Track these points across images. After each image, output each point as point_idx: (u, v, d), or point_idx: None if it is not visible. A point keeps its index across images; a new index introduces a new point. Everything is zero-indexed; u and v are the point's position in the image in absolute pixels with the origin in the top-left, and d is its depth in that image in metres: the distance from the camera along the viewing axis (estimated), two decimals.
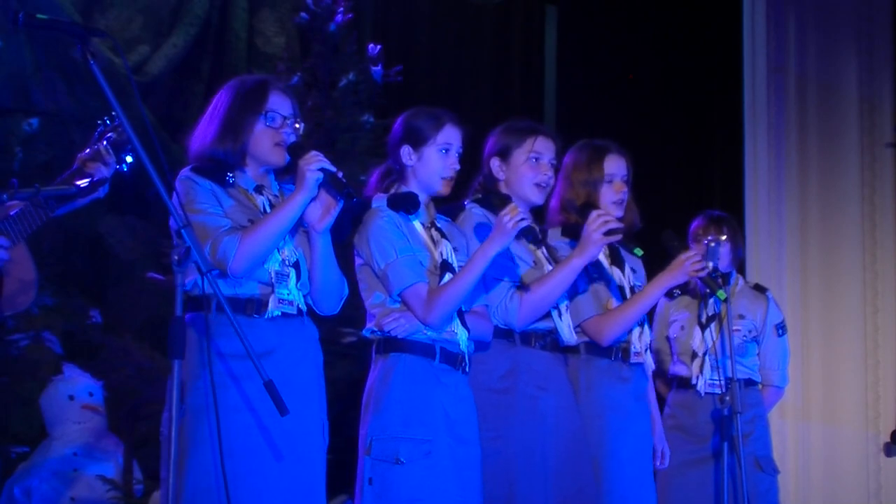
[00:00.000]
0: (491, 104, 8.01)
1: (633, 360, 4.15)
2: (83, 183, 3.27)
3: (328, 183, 3.25)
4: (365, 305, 3.63)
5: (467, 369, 3.61)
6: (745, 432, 4.86)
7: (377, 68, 6.75)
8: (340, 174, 3.28)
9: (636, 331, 4.16)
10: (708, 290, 4.49)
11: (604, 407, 4.05)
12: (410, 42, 7.89)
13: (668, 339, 5.09)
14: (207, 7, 7.18)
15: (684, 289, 4.84)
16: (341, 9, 6.67)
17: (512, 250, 3.81)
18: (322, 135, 6.49)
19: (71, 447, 5.81)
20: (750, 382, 5.01)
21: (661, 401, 5.14)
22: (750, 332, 5.04)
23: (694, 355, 4.92)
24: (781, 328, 5.13)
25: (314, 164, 3.23)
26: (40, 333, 6.12)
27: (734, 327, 4.97)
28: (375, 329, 3.57)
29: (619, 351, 4.13)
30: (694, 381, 4.90)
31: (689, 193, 7.99)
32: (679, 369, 5.01)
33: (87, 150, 3.34)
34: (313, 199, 3.27)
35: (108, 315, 6.53)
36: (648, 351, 4.22)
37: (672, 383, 5.04)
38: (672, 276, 4.13)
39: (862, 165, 7.71)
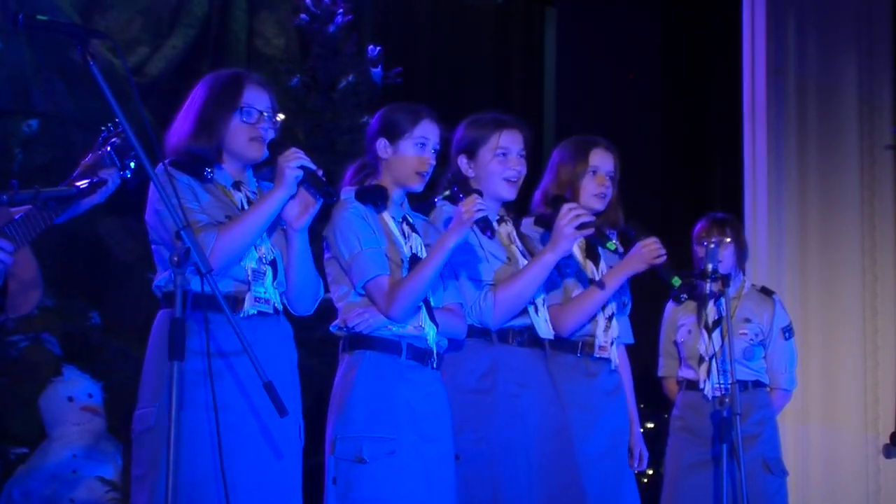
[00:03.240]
0: (491, 106, 7.93)
1: (598, 354, 4.10)
2: (82, 184, 3.26)
3: (308, 181, 3.23)
4: (332, 299, 3.59)
5: (436, 365, 3.56)
6: (754, 434, 4.87)
7: (377, 70, 6.76)
8: (321, 172, 3.26)
9: (601, 324, 4.10)
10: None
11: (570, 404, 3.97)
12: (410, 44, 7.89)
13: (675, 343, 5.08)
14: (207, 8, 7.18)
15: (691, 293, 4.82)
16: (341, 10, 6.68)
17: (485, 247, 3.78)
18: (321, 136, 6.49)
19: (70, 449, 5.81)
20: (758, 384, 5.00)
21: (671, 404, 5.15)
22: (757, 335, 5.03)
23: (701, 359, 4.91)
24: (788, 331, 5.12)
25: (294, 161, 3.21)
26: (40, 335, 6.12)
27: (741, 331, 4.97)
28: (341, 325, 3.54)
29: (583, 346, 4.09)
30: (701, 386, 4.89)
31: (688, 195, 8.00)
32: (687, 373, 5.01)
33: (91, 156, 3.34)
34: (292, 197, 3.25)
35: (108, 316, 6.53)
36: (615, 346, 4.15)
37: (681, 385, 5.04)
38: (629, 264, 4.05)
39: (861, 168, 7.71)
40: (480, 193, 3.65)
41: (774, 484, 4.94)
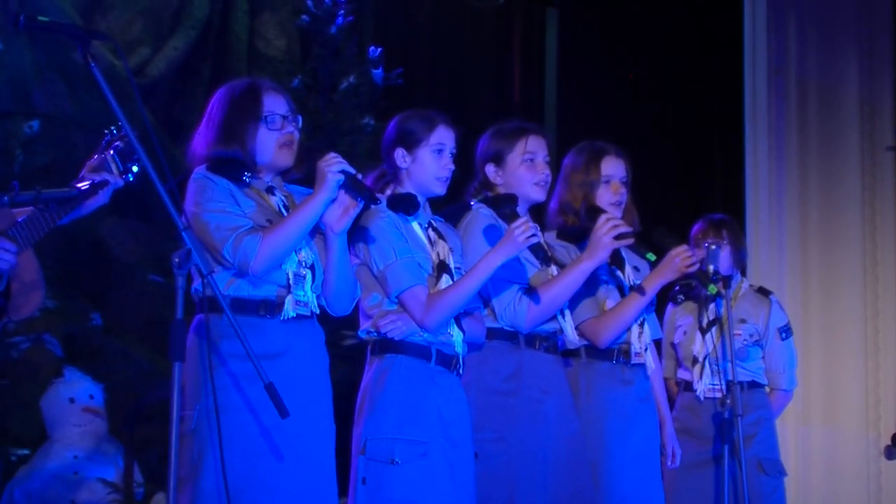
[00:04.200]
0: (492, 107, 8.01)
1: (634, 360, 4.14)
2: (84, 185, 3.27)
3: (348, 185, 3.26)
4: (360, 306, 3.61)
5: (461, 371, 3.61)
6: (749, 434, 4.86)
7: (378, 71, 6.76)
8: (360, 176, 3.29)
9: (635, 331, 4.13)
10: (698, 284, 4.43)
11: (605, 410, 4.05)
12: (411, 45, 7.89)
13: (672, 344, 5.08)
14: (208, 9, 7.18)
15: (689, 294, 4.82)
16: (342, 11, 6.68)
17: (519, 252, 3.81)
18: (322, 137, 6.50)
19: (71, 450, 5.81)
20: (754, 385, 5.00)
21: (672, 404, 5.15)
22: (751, 335, 5.02)
23: (695, 360, 4.92)
24: (785, 331, 5.11)
25: (335, 165, 3.23)
26: (41, 336, 6.12)
27: (735, 331, 4.97)
28: (371, 330, 3.57)
29: (619, 353, 4.12)
30: (694, 387, 4.90)
31: (689, 196, 7.99)
32: (684, 374, 5.02)
33: (94, 159, 3.33)
34: (332, 201, 3.26)
35: (109, 317, 6.53)
36: (649, 351, 4.20)
37: (679, 386, 5.05)
38: (662, 273, 4.08)
39: (862, 168, 7.71)
40: (516, 199, 3.75)
41: (770, 484, 4.93)
